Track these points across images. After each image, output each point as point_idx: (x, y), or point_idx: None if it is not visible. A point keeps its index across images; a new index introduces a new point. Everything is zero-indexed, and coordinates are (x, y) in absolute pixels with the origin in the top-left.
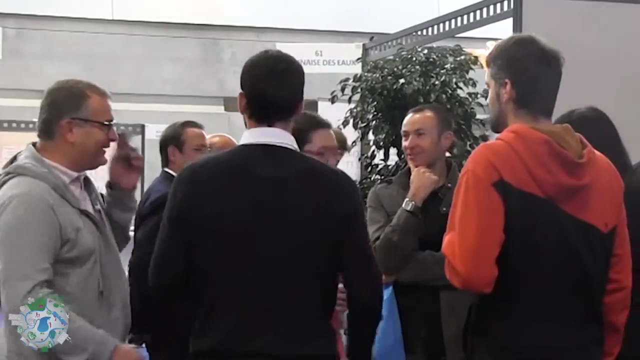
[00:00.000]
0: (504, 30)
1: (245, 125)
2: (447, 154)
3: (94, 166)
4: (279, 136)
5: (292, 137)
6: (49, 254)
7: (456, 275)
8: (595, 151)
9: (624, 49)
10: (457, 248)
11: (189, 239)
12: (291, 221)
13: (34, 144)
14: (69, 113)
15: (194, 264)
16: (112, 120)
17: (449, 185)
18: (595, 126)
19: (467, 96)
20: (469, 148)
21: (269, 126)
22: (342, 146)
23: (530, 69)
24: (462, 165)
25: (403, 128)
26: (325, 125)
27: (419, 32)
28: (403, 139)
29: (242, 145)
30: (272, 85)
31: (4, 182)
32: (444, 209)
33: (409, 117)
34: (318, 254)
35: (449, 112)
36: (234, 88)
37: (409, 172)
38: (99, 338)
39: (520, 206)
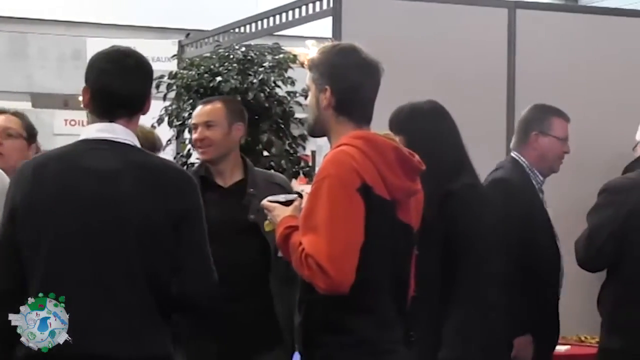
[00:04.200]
0: (323, 28)
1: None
2: (266, 154)
3: None
4: (118, 132)
5: (133, 134)
6: None
7: (325, 277)
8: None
9: (442, 48)
10: (327, 251)
11: (18, 237)
12: (118, 216)
13: None
14: None
15: (26, 261)
16: None
17: (252, 191)
18: (429, 117)
19: (285, 95)
20: (287, 147)
21: (110, 122)
22: (152, 146)
23: (350, 78)
24: (282, 165)
25: (192, 120)
26: None
27: (237, 30)
28: (193, 131)
29: (79, 140)
30: (117, 80)
31: None
32: (252, 216)
33: (198, 109)
34: (147, 251)
35: (237, 103)
36: (42, 84)
37: (201, 168)
38: None
39: (376, 210)
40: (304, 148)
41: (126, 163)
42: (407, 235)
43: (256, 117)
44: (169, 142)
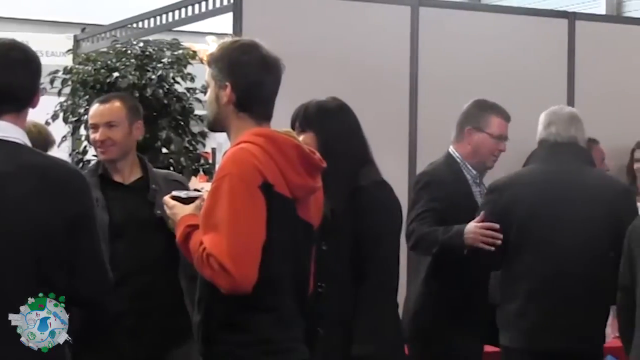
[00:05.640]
0: (224, 24)
1: None
2: (165, 151)
3: None
4: (5, 130)
5: (22, 131)
6: None
7: (227, 277)
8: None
9: (345, 45)
10: (228, 250)
11: None
12: (10, 222)
13: None
14: None
15: None
16: None
17: (154, 187)
18: (337, 115)
19: (185, 91)
20: (186, 144)
21: None
22: (44, 142)
23: (251, 75)
24: (181, 162)
25: (90, 120)
26: None
27: (135, 25)
28: (91, 131)
29: None
30: (2, 75)
31: None
32: (159, 211)
33: (96, 108)
34: (41, 257)
35: (134, 100)
36: None
37: (98, 166)
38: None
39: (277, 208)
40: (204, 145)
41: (16, 165)
42: (307, 233)
43: (155, 113)
44: (64, 139)
